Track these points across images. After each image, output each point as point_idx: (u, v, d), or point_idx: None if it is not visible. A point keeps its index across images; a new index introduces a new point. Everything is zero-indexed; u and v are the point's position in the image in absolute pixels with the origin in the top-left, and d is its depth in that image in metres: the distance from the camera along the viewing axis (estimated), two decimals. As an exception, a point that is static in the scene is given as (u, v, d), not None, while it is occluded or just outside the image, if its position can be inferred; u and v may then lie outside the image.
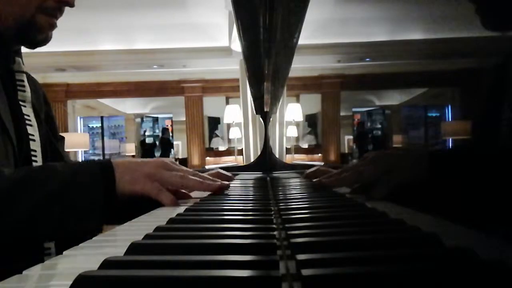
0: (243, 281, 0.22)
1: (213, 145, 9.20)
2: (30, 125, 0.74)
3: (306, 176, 0.98)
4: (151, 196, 0.61)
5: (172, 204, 0.62)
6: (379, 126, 9.62)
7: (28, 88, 0.76)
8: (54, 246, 0.69)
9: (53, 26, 0.73)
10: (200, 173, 0.69)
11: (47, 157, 0.76)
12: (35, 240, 0.61)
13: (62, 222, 0.57)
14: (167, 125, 10.72)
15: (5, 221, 0.53)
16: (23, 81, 0.76)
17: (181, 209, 0.53)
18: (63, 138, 0.90)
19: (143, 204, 0.61)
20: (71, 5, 0.73)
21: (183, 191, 0.70)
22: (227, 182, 0.73)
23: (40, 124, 0.77)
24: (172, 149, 10.06)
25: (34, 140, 0.73)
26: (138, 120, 10.97)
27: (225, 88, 7.74)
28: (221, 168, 1.42)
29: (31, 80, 0.82)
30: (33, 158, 0.72)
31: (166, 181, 0.63)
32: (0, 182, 0.55)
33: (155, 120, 10.94)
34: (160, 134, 10.53)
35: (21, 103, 0.74)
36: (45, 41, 0.73)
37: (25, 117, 0.74)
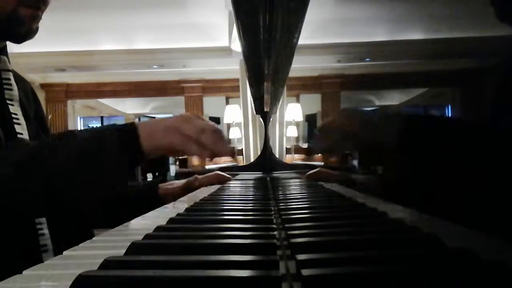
0: (243, 281, 0.22)
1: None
2: (18, 124, 0.73)
3: (307, 177, 0.99)
4: (176, 147, 0.60)
5: (199, 153, 0.60)
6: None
7: (15, 87, 0.75)
8: (51, 243, 0.68)
9: (36, 18, 0.71)
10: (222, 132, 0.66)
11: None
12: (74, 206, 0.60)
13: (96, 185, 0.56)
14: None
15: (29, 190, 0.53)
16: (9, 79, 0.75)
17: (171, 214, 0.52)
18: (54, 135, 0.90)
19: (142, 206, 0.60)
20: None
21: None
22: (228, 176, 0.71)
23: (29, 122, 0.76)
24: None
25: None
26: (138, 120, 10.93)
27: (225, 88, 7.74)
28: (222, 168, 1.42)
29: (19, 78, 0.80)
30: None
31: (184, 132, 0.61)
32: (24, 150, 0.55)
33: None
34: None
35: (8, 101, 0.73)
36: (29, 34, 0.71)
37: (13, 115, 0.72)
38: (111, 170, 0.57)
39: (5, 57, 0.75)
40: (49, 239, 0.68)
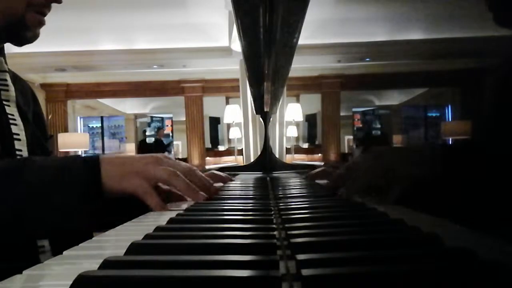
0: (243, 281, 0.22)
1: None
2: (15, 124, 0.72)
3: (310, 177, 0.98)
4: (138, 196, 0.56)
5: (159, 208, 0.56)
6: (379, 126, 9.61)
7: (12, 87, 0.74)
8: (48, 244, 0.67)
9: (41, 23, 0.71)
10: (198, 172, 0.64)
11: (35, 154, 0.74)
12: (20, 238, 0.56)
13: (45, 222, 0.53)
14: (167, 125, 10.54)
15: None
16: (6, 80, 0.74)
17: (171, 214, 0.52)
18: (51, 136, 0.89)
19: (135, 204, 0.57)
20: (59, 1, 0.72)
21: (178, 192, 0.64)
22: (219, 185, 0.70)
23: (27, 123, 0.75)
24: (166, 151, 9.43)
25: (19, 140, 0.71)
26: (143, 120, 10.87)
27: (225, 88, 7.75)
28: (222, 168, 1.41)
29: (17, 79, 0.80)
30: (18, 157, 0.70)
31: (153, 177, 0.57)
32: None
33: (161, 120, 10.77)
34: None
35: (4, 102, 0.72)
36: (33, 38, 0.71)
37: (9, 116, 0.72)
38: (63, 205, 0.53)
39: (1, 58, 0.74)
40: (47, 240, 0.68)
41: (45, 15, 0.71)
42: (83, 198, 0.54)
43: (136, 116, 11.20)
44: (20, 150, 0.71)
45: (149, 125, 10.23)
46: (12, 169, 0.53)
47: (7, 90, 0.74)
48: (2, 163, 0.55)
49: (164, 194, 0.62)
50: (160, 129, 9.46)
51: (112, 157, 0.59)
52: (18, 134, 0.72)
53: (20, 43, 0.72)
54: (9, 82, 0.75)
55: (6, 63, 0.75)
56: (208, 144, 8.78)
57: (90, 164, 0.56)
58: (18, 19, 0.68)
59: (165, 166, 0.59)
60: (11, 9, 0.67)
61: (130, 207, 0.59)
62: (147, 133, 10.48)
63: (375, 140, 8.66)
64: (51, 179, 0.53)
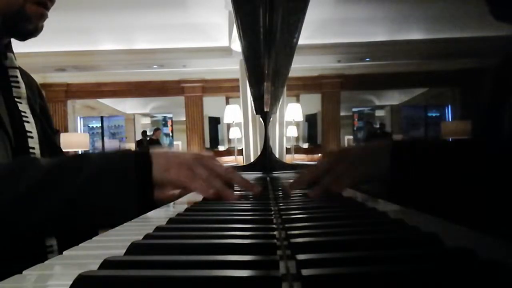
0: (243, 281, 0.22)
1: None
2: (28, 122, 0.72)
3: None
4: (185, 184, 0.60)
5: (205, 192, 0.60)
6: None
7: (22, 84, 0.74)
8: (56, 244, 0.68)
9: (43, 16, 0.70)
10: (236, 173, 0.66)
11: (45, 153, 0.74)
12: (73, 231, 0.59)
13: (96, 213, 0.56)
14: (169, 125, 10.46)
15: (41, 211, 0.53)
16: (17, 77, 0.74)
17: (171, 214, 0.52)
18: (58, 131, 0.90)
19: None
20: None
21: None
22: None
23: (36, 119, 0.75)
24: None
25: (32, 137, 0.71)
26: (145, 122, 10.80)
27: (225, 88, 7.75)
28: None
29: (24, 74, 0.79)
30: (32, 155, 0.70)
31: (197, 174, 0.61)
32: (35, 172, 0.54)
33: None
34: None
35: (16, 99, 0.72)
36: (35, 31, 0.70)
37: (22, 113, 0.72)
38: (117, 197, 0.56)
39: (11, 54, 0.74)
40: (55, 239, 0.68)
41: (47, 7, 0.71)
42: (137, 190, 0.57)
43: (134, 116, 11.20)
44: (33, 148, 0.71)
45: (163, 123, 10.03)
46: (71, 162, 0.58)
47: (18, 87, 0.73)
48: (61, 159, 0.60)
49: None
50: (156, 130, 9.40)
51: (160, 151, 0.63)
52: (30, 132, 0.72)
53: (22, 37, 0.71)
54: (20, 79, 0.74)
55: (15, 58, 0.74)
56: (207, 144, 8.78)
57: (142, 158, 0.59)
58: (17, 11, 0.67)
59: (205, 164, 0.62)
60: (9, 2, 0.67)
61: None
62: (148, 133, 10.47)
63: (375, 138, 8.64)
64: (101, 172, 0.56)
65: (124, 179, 0.57)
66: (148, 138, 9.05)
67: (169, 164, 0.60)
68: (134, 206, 0.56)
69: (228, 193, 0.61)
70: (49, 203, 0.53)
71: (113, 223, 0.50)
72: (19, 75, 0.74)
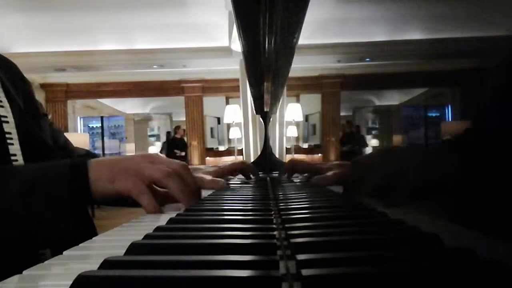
0: (243, 281, 0.22)
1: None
2: (2, 106, 0.68)
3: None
4: (132, 196, 0.53)
5: (152, 209, 0.53)
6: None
7: None
8: (50, 252, 0.66)
9: None
10: (190, 172, 0.59)
11: (22, 138, 0.70)
12: (7, 249, 0.52)
13: (28, 231, 0.50)
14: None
15: None
16: None
17: (171, 214, 0.52)
18: (46, 115, 0.83)
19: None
20: None
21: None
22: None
23: (15, 104, 0.71)
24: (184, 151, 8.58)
25: (7, 122, 0.68)
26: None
27: (225, 88, 7.76)
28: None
29: (2, 60, 0.76)
30: (8, 141, 0.67)
31: (147, 176, 0.54)
32: None
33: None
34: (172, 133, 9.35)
35: None
36: None
37: None
38: (51, 212, 0.49)
39: None
40: (48, 248, 0.66)
41: None
42: (70, 204, 0.50)
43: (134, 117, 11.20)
44: (10, 133, 0.68)
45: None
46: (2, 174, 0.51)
47: None
48: None
49: (160, 196, 0.60)
50: (178, 128, 8.83)
51: (101, 158, 0.57)
52: (6, 117, 0.68)
53: None
54: None
55: None
56: (207, 144, 8.76)
57: (76, 168, 0.53)
58: None
59: (157, 164, 0.56)
60: None
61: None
62: (148, 133, 10.46)
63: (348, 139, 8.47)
64: (32, 187, 0.50)
65: (55, 196, 0.50)
66: (171, 137, 8.79)
67: (112, 174, 0.53)
68: (70, 223, 0.50)
69: (185, 194, 0.55)
70: None
71: (49, 240, 0.46)
72: None
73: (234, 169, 0.99)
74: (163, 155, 0.61)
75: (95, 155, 0.98)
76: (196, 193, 0.60)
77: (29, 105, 0.77)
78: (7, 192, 0.49)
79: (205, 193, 0.71)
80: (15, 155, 0.67)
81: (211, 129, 9.07)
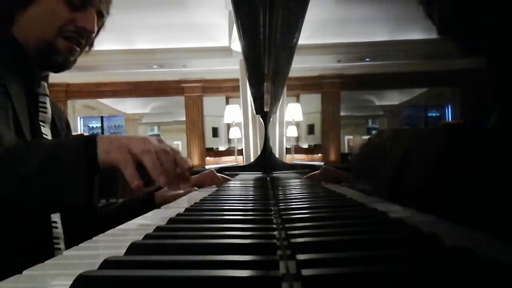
0: (243, 281, 0.22)
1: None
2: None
3: (310, 178, 0.99)
4: (119, 167, 0.59)
5: (132, 180, 0.57)
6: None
7: (49, 110, 0.81)
8: (62, 233, 0.71)
9: (72, 51, 0.78)
10: (178, 156, 0.64)
11: None
12: (24, 215, 0.60)
13: (47, 196, 0.56)
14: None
15: None
16: (45, 103, 0.80)
17: (171, 214, 0.52)
18: None
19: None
20: (90, 31, 0.79)
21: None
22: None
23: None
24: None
25: None
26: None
27: (225, 88, 7.74)
28: (221, 168, 1.41)
29: (55, 106, 0.88)
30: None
31: (133, 152, 0.59)
32: None
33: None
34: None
35: (41, 123, 0.78)
36: (66, 64, 0.79)
37: (43, 135, 0.77)
38: (68, 176, 0.57)
39: (45, 83, 0.81)
40: (62, 239, 0.70)
41: (79, 43, 0.79)
42: (82, 171, 0.57)
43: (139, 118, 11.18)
44: None
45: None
46: (16, 153, 0.58)
47: (45, 113, 0.80)
48: (5, 148, 0.60)
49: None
50: None
51: (109, 135, 0.63)
52: None
53: (54, 69, 0.80)
54: (48, 105, 0.81)
55: (48, 88, 0.82)
56: (207, 144, 8.75)
57: (88, 139, 0.60)
58: (48, 45, 0.75)
59: (149, 145, 0.61)
60: (42, 36, 0.74)
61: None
62: (148, 133, 10.45)
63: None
64: (49, 157, 0.57)
65: (72, 159, 0.57)
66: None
67: (110, 147, 0.59)
68: (84, 182, 0.57)
69: (155, 174, 0.58)
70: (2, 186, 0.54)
71: (63, 207, 0.51)
72: (47, 102, 0.81)
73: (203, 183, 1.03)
74: (156, 140, 0.64)
75: None
76: (176, 179, 0.62)
77: None
78: (30, 161, 0.56)
79: (205, 193, 0.71)
80: None
81: (216, 128, 9.06)
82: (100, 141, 0.60)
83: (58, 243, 0.71)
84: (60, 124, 0.86)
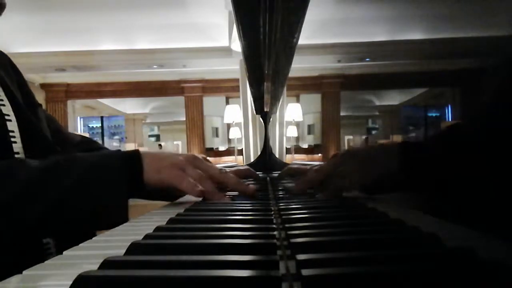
0: (243, 281, 0.22)
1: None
2: (3, 105, 0.69)
3: (280, 176, 0.97)
4: (175, 183, 0.59)
5: (194, 193, 0.59)
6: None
7: None
8: (54, 246, 0.68)
9: None
10: (229, 175, 0.66)
11: (24, 134, 0.71)
12: (60, 234, 0.59)
13: (85, 216, 0.55)
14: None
15: (29, 215, 0.52)
16: None
17: (171, 214, 0.53)
18: (40, 105, 0.83)
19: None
20: None
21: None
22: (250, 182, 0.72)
23: (13, 99, 0.71)
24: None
25: (10, 120, 0.69)
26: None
27: (225, 88, 7.75)
28: (222, 168, 1.40)
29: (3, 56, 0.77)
30: (11, 139, 0.68)
31: (188, 174, 0.61)
32: (23, 174, 0.53)
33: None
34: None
35: None
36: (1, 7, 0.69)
37: None
38: (111, 199, 0.55)
39: None
40: (52, 239, 0.68)
41: None
42: (128, 192, 0.56)
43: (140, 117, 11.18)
44: (13, 131, 0.68)
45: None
46: (57, 166, 0.56)
47: None
48: (51, 160, 0.58)
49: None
50: None
51: (151, 152, 0.63)
52: (8, 115, 0.69)
53: None
54: None
55: None
56: (207, 144, 8.76)
57: (132, 159, 0.59)
58: None
59: (199, 166, 0.63)
60: None
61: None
62: (148, 133, 10.45)
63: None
64: (90, 175, 0.55)
65: (115, 181, 0.56)
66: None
67: (160, 165, 0.60)
68: (126, 208, 0.56)
69: (217, 194, 0.61)
70: (36, 207, 0.52)
71: (106, 225, 0.50)
72: None
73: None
74: (203, 160, 0.66)
75: (91, 140, 0.99)
76: (240, 189, 0.67)
77: (24, 96, 0.77)
78: (68, 179, 0.54)
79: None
80: (18, 153, 0.68)
81: (216, 128, 9.08)
82: (145, 160, 0.59)
83: (48, 243, 0.68)
84: (8, 75, 0.75)
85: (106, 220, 0.55)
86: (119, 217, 0.55)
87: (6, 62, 0.79)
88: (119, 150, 0.63)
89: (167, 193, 0.67)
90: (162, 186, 0.60)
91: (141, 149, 0.63)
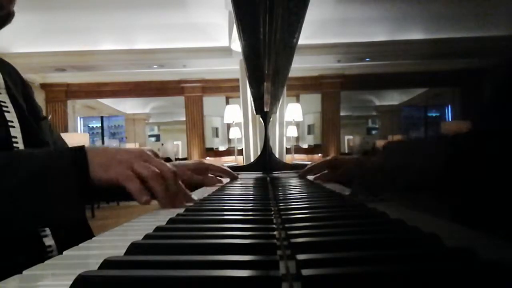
0: (243, 281, 0.22)
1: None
2: (8, 112, 0.70)
3: (301, 175, 1.00)
4: (121, 183, 0.56)
5: (138, 194, 0.56)
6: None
7: (0, 74, 0.73)
8: (55, 247, 0.68)
9: (11, 0, 0.69)
10: (182, 165, 0.64)
11: (27, 141, 0.72)
12: (12, 231, 0.55)
13: (35, 211, 0.52)
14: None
15: None
16: None
17: (171, 214, 0.52)
18: (46, 117, 0.85)
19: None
20: None
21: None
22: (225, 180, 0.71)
23: (18, 108, 0.73)
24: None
25: (13, 127, 0.70)
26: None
27: (225, 88, 7.75)
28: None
29: (2, 63, 0.79)
30: (14, 144, 0.69)
31: (138, 172, 0.57)
32: None
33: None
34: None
35: None
36: (8, 17, 0.69)
37: (1, 103, 0.70)
38: (58, 197, 0.53)
39: None
40: (52, 240, 0.68)
41: None
42: (72, 188, 0.54)
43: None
44: (16, 137, 0.70)
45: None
46: (3, 163, 0.53)
47: None
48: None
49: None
50: None
51: (98, 148, 0.60)
52: (12, 122, 0.70)
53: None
54: None
55: None
56: (207, 144, 8.76)
57: (78, 155, 0.57)
58: None
59: (149, 163, 0.59)
60: None
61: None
62: (148, 133, 10.44)
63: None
64: (40, 172, 0.53)
65: (60, 179, 0.54)
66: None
67: (108, 163, 0.57)
68: (72, 205, 0.54)
69: (163, 193, 0.58)
70: None
71: (52, 223, 0.49)
72: None
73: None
74: (152, 155, 0.63)
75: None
76: (179, 198, 0.62)
77: (30, 107, 0.79)
78: (16, 177, 0.51)
79: (205, 193, 0.71)
80: None
81: (216, 128, 9.09)
82: (91, 156, 0.56)
83: (50, 245, 0.67)
84: (15, 85, 0.77)
85: (53, 219, 0.54)
86: (67, 216, 0.54)
87: (14, 72, 0.81)
88: (66, 147, 0.60)
89: (123, 192, 0.62)
90: (111, 185, 0.57)
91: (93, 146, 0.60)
